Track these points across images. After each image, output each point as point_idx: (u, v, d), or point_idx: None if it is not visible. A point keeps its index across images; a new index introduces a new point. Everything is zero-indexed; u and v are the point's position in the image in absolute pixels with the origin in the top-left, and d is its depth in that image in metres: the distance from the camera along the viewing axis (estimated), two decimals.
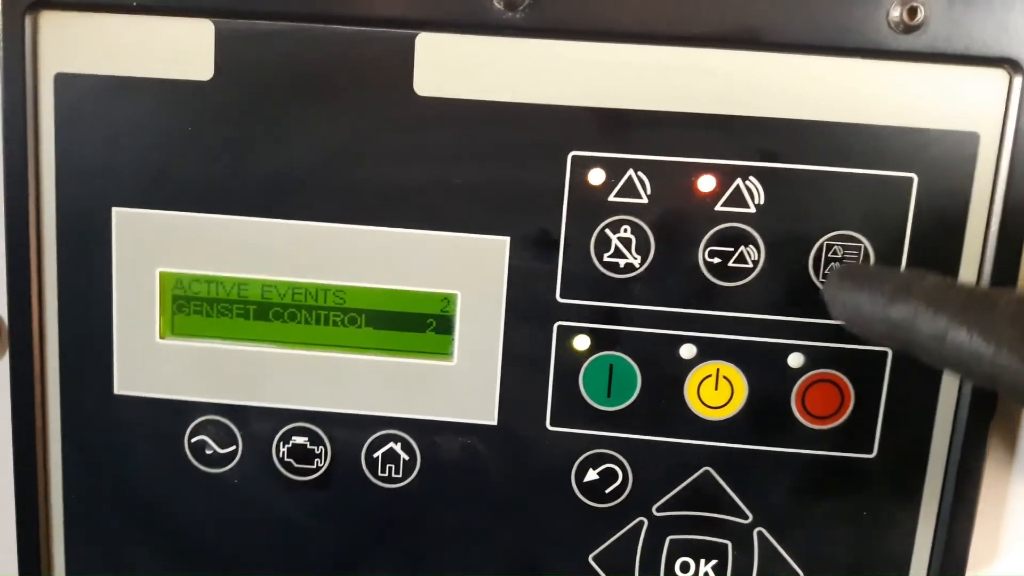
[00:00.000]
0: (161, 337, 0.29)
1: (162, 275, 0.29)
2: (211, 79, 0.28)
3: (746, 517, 0.29)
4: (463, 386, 0.29)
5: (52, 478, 0.30)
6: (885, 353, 0.28)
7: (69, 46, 0.28)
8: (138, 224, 0.29)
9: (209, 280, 0.29)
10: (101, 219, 0.29)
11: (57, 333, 0.29)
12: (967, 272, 0.27)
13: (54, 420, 0.30)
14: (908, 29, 0.26)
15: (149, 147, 0.28)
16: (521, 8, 0.26)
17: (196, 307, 0.29)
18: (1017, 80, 0.26)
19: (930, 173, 0.27)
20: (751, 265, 0.27)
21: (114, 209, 0.29)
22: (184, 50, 0.27)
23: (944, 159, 0.27)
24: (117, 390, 0.30)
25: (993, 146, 0.27)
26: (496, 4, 0.26)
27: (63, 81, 0.28)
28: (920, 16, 0.26)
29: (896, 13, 0.26)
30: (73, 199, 0.29)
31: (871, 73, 0.26)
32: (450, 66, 0.27)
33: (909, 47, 0.26)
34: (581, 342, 0.28)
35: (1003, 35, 0.26)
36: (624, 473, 0.29)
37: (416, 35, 0.27)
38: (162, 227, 0.28)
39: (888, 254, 0.27)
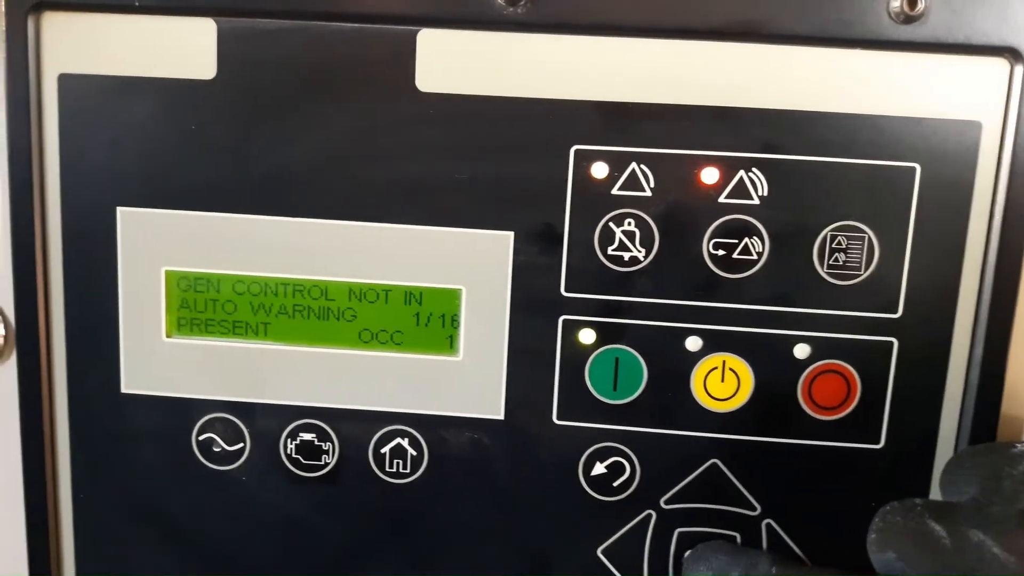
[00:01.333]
0: (168, 336, 0.29)
1: (168, 274, 0.29)
2: (214, 78, 0.28)
3: (754, 509, 0.29)
4: (469, 381, 0.29)
5: (60, 478, 0.31)
6: (891, 343, 0.28)
7: (72, 47, 0.28)
8: (143, 223, 0.29)
9: (215, 278, 0.29)
10: (106, 219, 0.29)
11: (64, 333, 0.30)
12: (971, 260, 0.27)
13: (62, 420, 0.30)
14: (909, 19, 0.26)
15: (153, 147, 0.28)
16: (522, 3, 0.27)
17: (202, 305, 0.29)
18: (1018, 69, 0.26)
19: (933, 162, 0.27)
20: (756, 257, 0.27)
21: (119, 209, 0.29)
22: (187, 49, 0.28)
23: (947, 148, 0.27)
24: (124, 389, 0.30)
25: (995, 134, 0.27)
26: (498, 0, 0.27)
27: (67, 82, 0.28)
28: (920, 6, 0.26)
29: (897, 3, 0.26)
30: (78, 199, 0.29)
31: (873, 64, 0.26)
32: (452, 62, 0.27)
33: (910, 37, 0.26)
34: (586, 336, 0.28)
35: (1003, 24, 0.26)
36: (632, 466, 0.29)
37: (418, 31, 0.27)
38: (167, 226, 0.29)
39: (892, 244, 0.27)
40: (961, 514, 0.23)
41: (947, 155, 0.27)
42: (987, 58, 0.26)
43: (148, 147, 0.28)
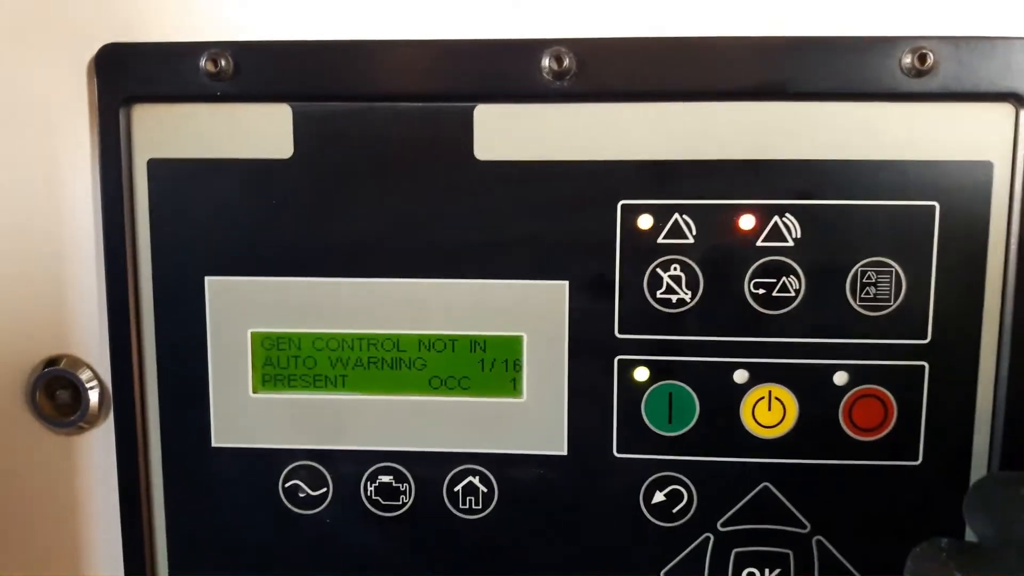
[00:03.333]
0: (254, 392, 0.32)
1: (253, 335, 0.32)
2: (291, 157, 0.31)
3: (804, 527, 0.31)
4: (533, 421, 0.31)
5: (156, 526, 0.33)
6: (923, 367, 0.30)
7: (160, 134, 0.31)
8: (229, 291, 0.31)
9: (296, 337, 0.31)
10: (195, 288, 0.31)
11: (157, 394, 0.32)
12: (992, 286, 0.30)
13: (156, 474, 0.33)
14: (920, 73, 0.29)
15: (236, 221, 0.31)
16: (568, 77, 0.29)
17: (285, 362, 0.32)
18: (1023, 112, 0.29)
19: (950, 200, 0.29)
20: (793, 294, 0.30)
21: (207, 278, 0.31)
22: (265, 132, 0.30)
23: (962, 187, 0.29)
24: (215, 443, 0.32)
25: (1006, 172, 0.29)
26: (545, 75, 0.29)
27: (155, 166, 0.31)
28: (930, 61, 0.28)
29: (908, 60, 0.29)
30: (168, 272, 0.32)
31: (890, 114, 0.29)
32: (506, 132, 0.30)
33: (922, 89, 0.29)
34: (641, 373, 0.31)
35: (1007, 73, 0.28)
36: (689, 493, 0.31)
37: (475, 107, 0.30)
38: (251, 292, 0.31)
39: (918, 276, 0.30)
40: (983, 561, 0.24)
41: (963, 192, 0.29)
42: (994, 104, 0.29)
43: (232, 221, 0.31)
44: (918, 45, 0.28)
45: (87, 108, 0.31)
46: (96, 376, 0.33)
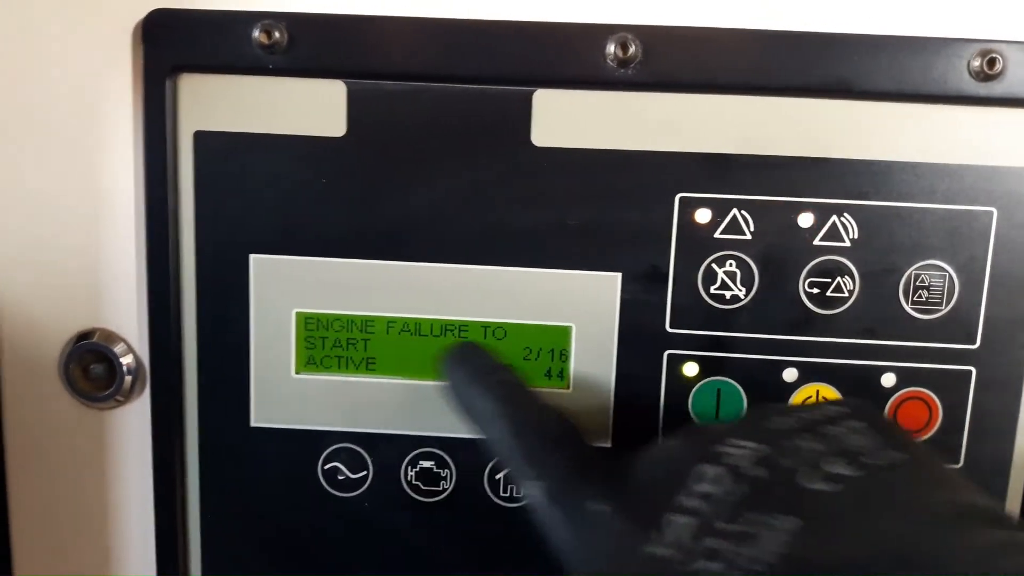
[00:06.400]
0: (296, 372, 0.31)
1: (297, 315, 0.31)
2: (344, 135, 0.30)
3: None
4: (579, 412, 0.31)
5: (190, 506, 0.32)
6: (970, 372, 0.30)
7: (207, 106, 0.30)
8: (274, 269, 0.31)
9: (342, 318, 0.31)
10: (239, 265, 0.31)
11: (196, 370, 0.32)
12: None
13: (192, 452, 0.32)
14: (987, 77, 0.28)
15: (284, 198, 0.30)
16: (633, 65, 0.29)
17: (329, 344, 0.31)
18: None
19: (1008, 206, 0.29)
20: (847, 294, 0.30)
21: (251, 256, 0.31)
22: (318, 109, 0.30)
23: (1021, 193, 0.29)
24: (254, 423, 0.32)
25: None
26: (609, 62, 0.29)
27: (202, 138, 0.30)
28: (999, 66, 0.28)
29: (976, 63, 0.28)
30: (212, 248, 0.31)
31: (953, 117, 0.29)
32: (565, 119, 0.29)
33: (988, 93, 0.28)
34: (690, 369, 0.30)
35: None
36: None
37: (534, 91, 0.29)
38: (297, 271, 0.31)
39: (971, 281, 0.30)
40: None
41: (1021, 199, 0.29)
42: None
43: (280, 199, 0.30)
44: (988, 48, 0.28)
45: (131, 75, 0.30)
46: (131, 350, 0.32)
